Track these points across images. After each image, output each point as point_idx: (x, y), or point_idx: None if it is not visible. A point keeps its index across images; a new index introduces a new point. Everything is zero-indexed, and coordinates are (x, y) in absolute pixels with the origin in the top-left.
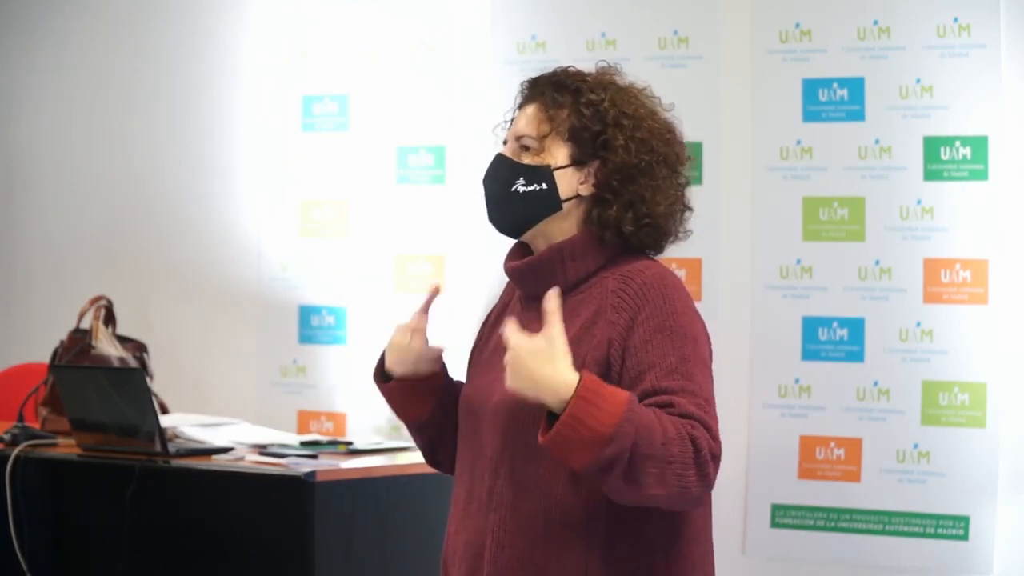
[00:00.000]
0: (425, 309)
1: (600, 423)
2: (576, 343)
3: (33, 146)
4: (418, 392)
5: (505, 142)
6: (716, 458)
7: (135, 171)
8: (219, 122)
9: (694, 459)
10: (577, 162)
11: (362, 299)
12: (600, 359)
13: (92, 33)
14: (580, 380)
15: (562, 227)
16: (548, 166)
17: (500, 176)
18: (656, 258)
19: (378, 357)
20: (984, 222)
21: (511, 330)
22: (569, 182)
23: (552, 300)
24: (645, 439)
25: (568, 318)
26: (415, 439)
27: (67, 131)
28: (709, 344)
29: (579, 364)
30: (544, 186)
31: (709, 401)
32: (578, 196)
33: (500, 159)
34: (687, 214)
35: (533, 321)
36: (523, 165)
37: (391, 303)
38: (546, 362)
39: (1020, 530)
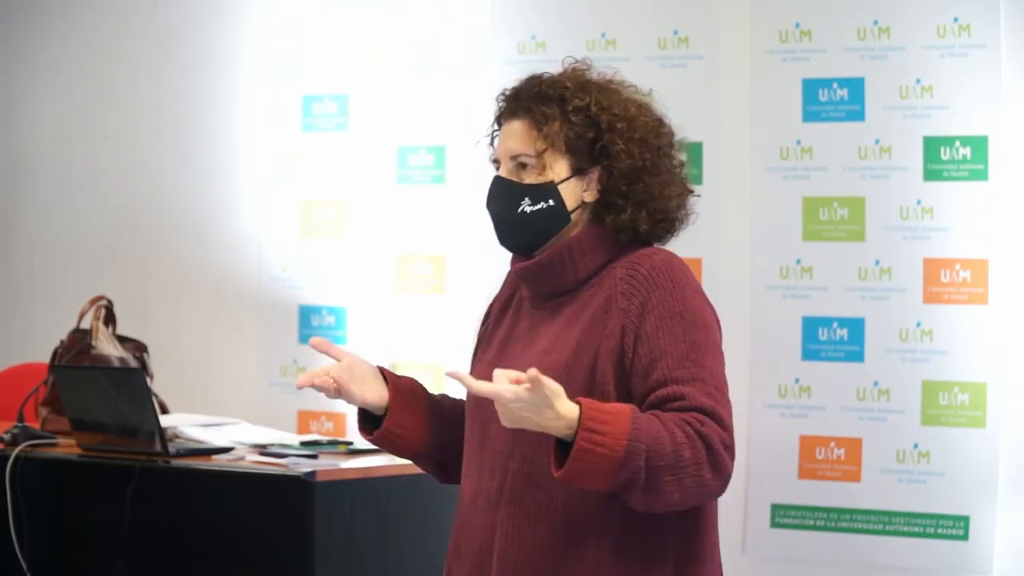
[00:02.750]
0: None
1: (609, 449)
2: (588, 334)
3: (33, 146)
4: (407, 421)
5: (496, 161)
6: (729, 448)
7: (135, 171)
8: (219, 122)
9: (707, 457)
10: (577, 171)
11: (362, 299)
12: (614, 348)
13: (92, 33)
14: (581, 411)
15: (570, 235)
16: (551, 182)
17: (504, 199)
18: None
19: (357, 416)
20: (984, 222)
21: (491, 387)
22: (573, 192)
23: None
24: (656, 451)
25: (578, 312)
26: (425, 469)
27: (67, 131)
28: (719, 327)
29: (592, 355)
30: (551, 203)
31: (720, 388)
32: (583, 204)
33: (500, 182)
34: (691, 198)
35: (545, 320)
36: (526, 185)
37: (391, 303)
38: (539, 408)
39: (1020, 530)
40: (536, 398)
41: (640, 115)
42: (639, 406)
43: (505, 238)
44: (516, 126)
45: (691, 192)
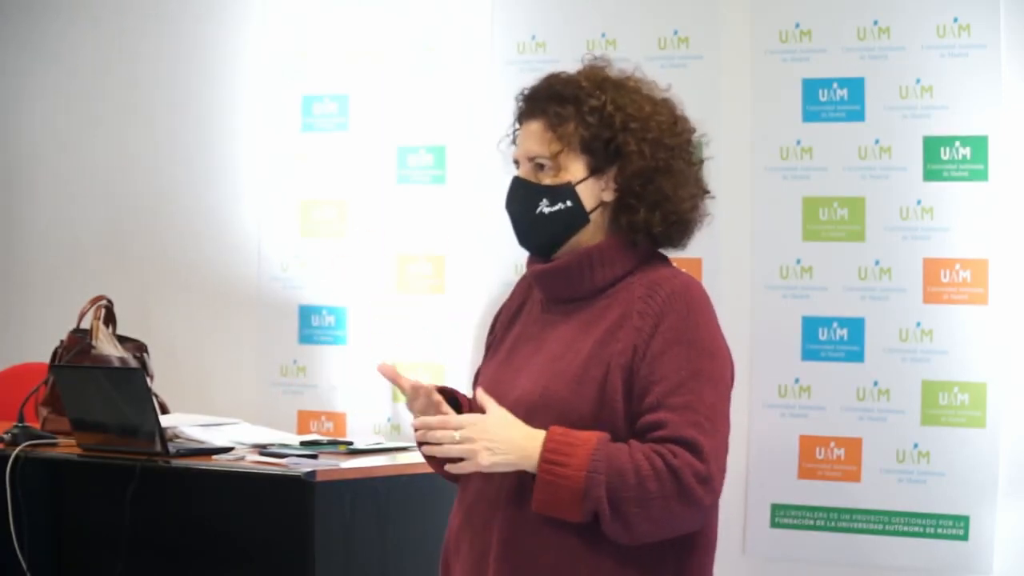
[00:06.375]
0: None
1: (569, 480)
2: (601, 346)
3: (33, 146)
4: None
5: (516, 162)
6: (704, 480)
7: (135, 171)
8: (219, 122)
9: (675, 490)
10: (595, 171)
11: (362, 299)
12: (625, 365)
13: (91, 33)
14: (544, 441)
15: (590, 235)
16: (568, 183)
17: (522, 200)
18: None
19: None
20: (984, 222)
21: (455, 419)
22: (591, 192)
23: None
24: (617, 483)
25: (593, 322)
26: None
27: (67, 131)
28: (730, 360)
29: (603, 368)
30: (569, 203)
31: (712, 418)
32: (602, 203)
33: (519, 183)
34: (707, 200)
35: (556, 324)
36: (543, 186)
37: (391, 303)
38: (503, 427)
39: (1020, 530)
40: (493, 419)
41: (655, 114)
42: (632, 427)
43: (524, 239)
44: (533, 127)
45: (707, 193)
